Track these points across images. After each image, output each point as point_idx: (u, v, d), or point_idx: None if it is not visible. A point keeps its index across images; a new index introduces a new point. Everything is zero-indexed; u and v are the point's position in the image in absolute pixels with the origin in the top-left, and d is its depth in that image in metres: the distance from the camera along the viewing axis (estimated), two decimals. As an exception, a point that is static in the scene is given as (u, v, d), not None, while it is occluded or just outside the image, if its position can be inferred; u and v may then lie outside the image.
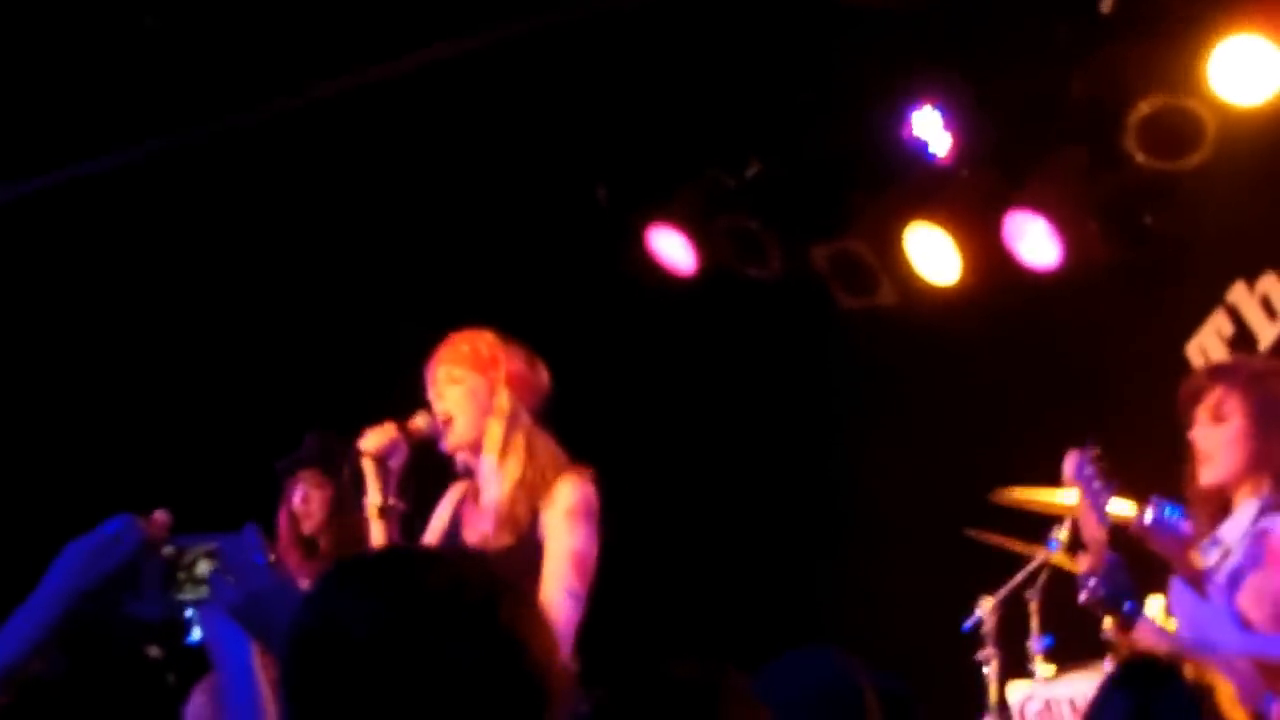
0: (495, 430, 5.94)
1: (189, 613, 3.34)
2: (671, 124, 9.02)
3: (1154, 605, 6.31)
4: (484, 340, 6.06)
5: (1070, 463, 5.70)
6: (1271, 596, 5.18)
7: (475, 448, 5.99)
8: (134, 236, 9.23)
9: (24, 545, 4.74)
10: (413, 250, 9.42)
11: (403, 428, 5.99)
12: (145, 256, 9.28)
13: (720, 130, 8.98)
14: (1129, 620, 5.46)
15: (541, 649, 2.45)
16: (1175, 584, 5.25)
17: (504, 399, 5.94)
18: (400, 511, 5.96)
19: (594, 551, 5.83)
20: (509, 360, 6.02)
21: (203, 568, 3.32)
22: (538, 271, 9.41)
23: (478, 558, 2.68)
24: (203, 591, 3.32)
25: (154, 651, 7.73)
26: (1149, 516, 5.22)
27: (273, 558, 3.39)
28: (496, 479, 5.93)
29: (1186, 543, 5.33)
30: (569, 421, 6.33)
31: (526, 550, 5.77)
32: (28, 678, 3.30)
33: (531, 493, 5.87)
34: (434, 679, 2.39)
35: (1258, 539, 5.34)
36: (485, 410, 5.95)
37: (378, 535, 6.03)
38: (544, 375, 6.12)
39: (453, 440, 5.99)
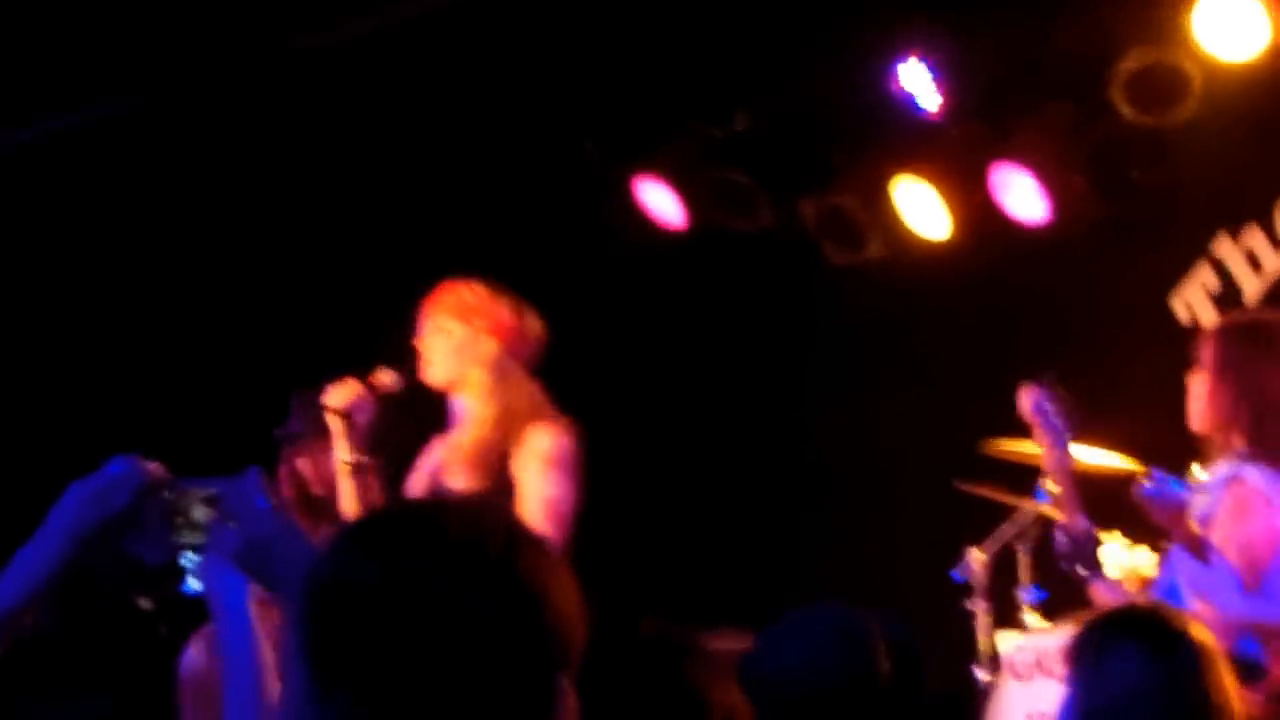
0: (475, 377, 5.99)
1: (186, 563, 3.35)
2: (659, 77, 9.03)
3: (1141, 557, 6.40)
4: (471, 290, 6.10)
5: (1026, 397, 5.75)
6: (1238, 546, 5.22)
7: (452, 390, 6.04)
8: (129, 186, 9.23)
9: (23, 489, 4.70)
10: (401, 204, 9.42)
11: (368, 383, 6.02)
12: (139, 206, 9.28)
13: (708, 84, 8.99)
14: (1084, 583, 5.55)
15: (561, 600, 2.43)
16: (1175, 551, 5.28)
17: (487, 347, 5.98)
18: (371, 467, 5.99)
19: (571, 501, 5.87)
20: (495, 310, 6.06)
21: (200, 513, 3.31)
22: (525, 225, 9.42)
23: (496, 508, 2.59)
24: (201, 536, 3.31)
25: (145, 603, 7.72)
26: (1148, 488, 5.25)
27: (274, 502, 3.39)
28: (474, 422, 5.98)
29: (1185, 511, 5.36)
30: (556, 374, 6.38)
31: (499, 495, 5.80)
32: (23, 631, 3.32)
33: (503, 437, 5.91)
34: (453, 632, 2.37)
35: (1227, 484, 5.38)
36: (468, 358, 5.99)
37: (348, 492, 6.05)
38: (534, 325, 6.15)
39: (428, 377, 6.05)
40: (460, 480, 5.94)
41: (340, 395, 5.99)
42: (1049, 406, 5.75)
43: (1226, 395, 5.52)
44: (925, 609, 7.84)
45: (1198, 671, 3.76)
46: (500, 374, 5.99)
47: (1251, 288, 8.39)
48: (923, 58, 8.56)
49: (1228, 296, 8.40)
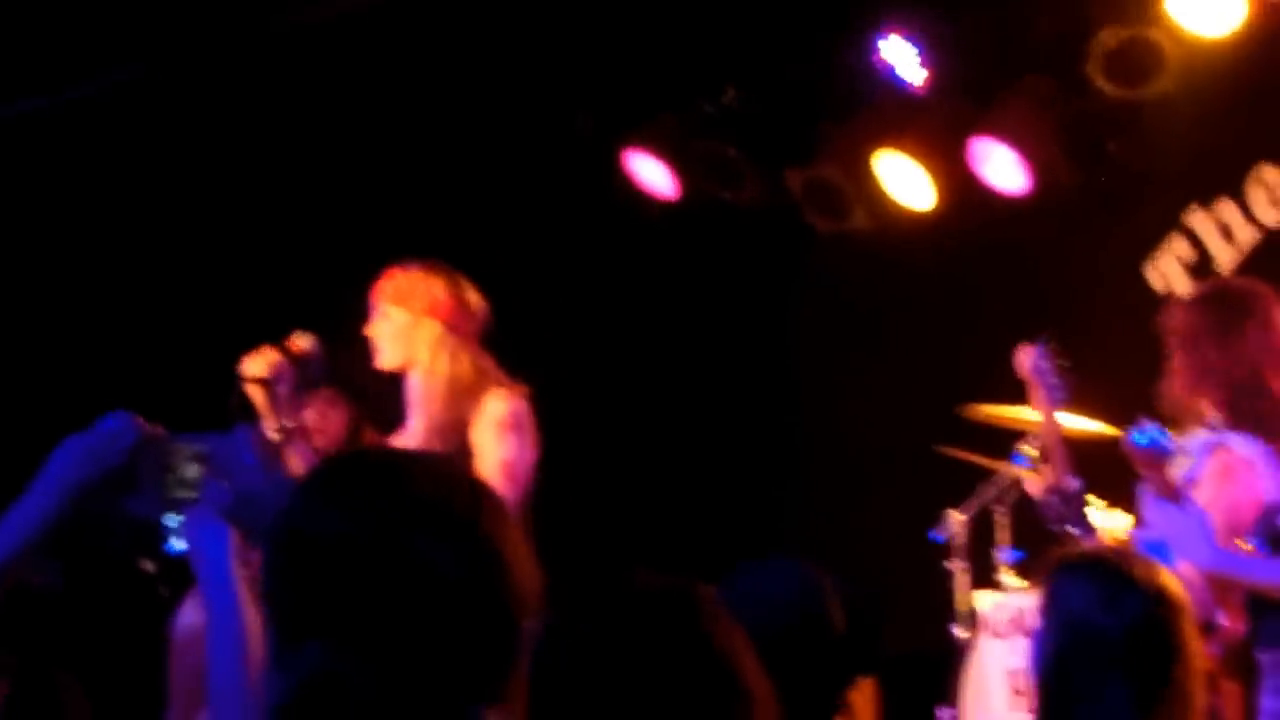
0: (422, 356, 6.09)
1: (171, 523, 3.36)
2: (651, 51, 9.10)
3: (1118, 520, 6.53)
4: (407, 274, 6.14)
5: (1026, 355, 5.83)
6: (1222, 510, 5.22)
7: (403, 371, 6.15)
8: (113, 159, 9.23)
9: (16, 446, 4.72)
10: (393, 177, 9.47)
11: (284, 350, 5.96)
12: (122, 179, 9.28)
13: (698, 57, 9.06)
14: (1072, 536, 5.63)
15: (519, 560, 2.46)
16: (1148, 497, 5.29)
17: (427, 328, 6.09)
18: (296, 430, 5.90)
19: (526, 461, 5.92)
20: (430, 290, 6.11)
21: (191, 470, 3.30)
22: (518, 196, 9.47)
23: (463, 469, 2.58)
24: (192, 492, 3.30)
25: (148, 565, 7.74)
26: (1138, 437, 5.30)
27: (264, 458, 3.38)
28: (422, 399, 6.10)
29: (1166, 463, 5.40)
30: (551, 343, 6.49)
31: (460, 463, 5.87)
32: (22, 586, 3.35)
33: (456, 410, 6.00)
34: (416, 585, 2.39)
35: (1212, 450, 5.44)
36: (411, 340, 6.10)
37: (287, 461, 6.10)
38: (473, 299, 6.15)
39: (380, 363, 6.16)
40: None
41: (257, 364, 5.90)
42: (1045, 366, 5.84)
43: (1200, 364, 5.59)
44: (905, 569, 8.04)
45: (1155, 617, 3.74)
46: (440, 352, 6.07)
47: (1225, 258, 8.53)
48: (906, 33, 8.66)
49: (1201, 267, 8.53)
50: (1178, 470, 5.68)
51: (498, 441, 5.91)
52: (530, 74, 9.19)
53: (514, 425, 5.94)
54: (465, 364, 6.04)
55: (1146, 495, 5.26)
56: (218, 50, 8.90)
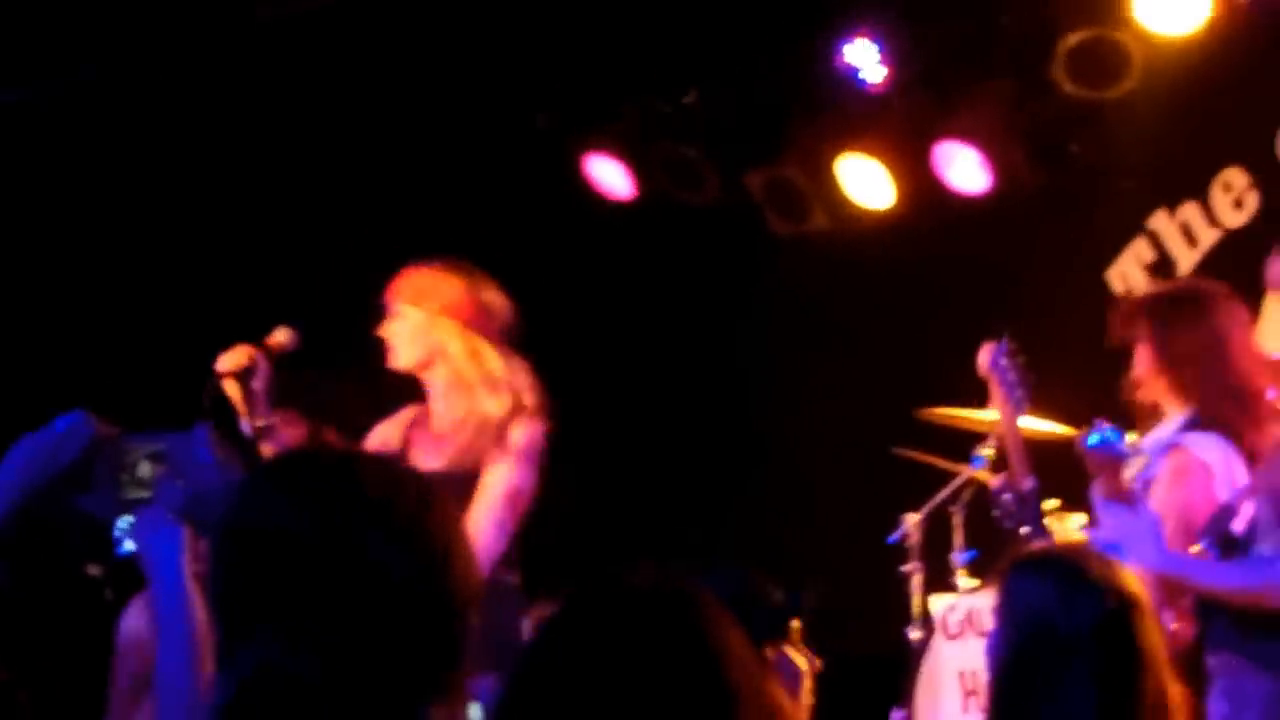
0: (439, 357, 6.01)
1: (122, 525, 3.31)
2: (610, 50, 9.09)
3: (1074, 522, 6.50)
4: (424, 272, 6.08)
5: (985, 353, 5.80)
6: (1175, 511, 5.22)
7: (421, 373, 6.08)
8: (90, 154, 9.21)
9: None
10: (356, 173, 9.45)
11: (262, 346, 5.91)
12: (101, 171, 9.26)
13: (658, 57, 9.05)
14: (1025, 541, 5.61)
15: (464, 563, 2.47)
16: (1100, 503, 5.27)
17: (444, 327, 6.01)
18: (271, 428, 5.86)
19: (531, 491, 5.91)
20: (447, 289, 6.05)
21: (145, 469, 3.27)
22: (476, 195, 9.46)
23: (410, 468, 2.68)
24: (147, 492, 3.28)
25: (94, 569, 7.69)
26: (1091, 439, 5.27)
27: (220, 456, 3.34)
28: (442, 398, 6.02)
29: (1121, 465, 5.39)
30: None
31: (464, 474, 5.81)
32: None
33: (482, 409, 5.90)
34: (362, 581, 2.40)
35: (1167, 451, 5.43)
36: (427, 340, 6.02)
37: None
38: (495, 299, 6.10)
39: (393, 363, 6.08)
40: (429, 459, 5.96)
41: (232, 359, 5.84)
42: (1004, 364, 5.81)
43: (1158, 363, 5.58)
44: (861, 571, 8.00)
45: (1114, 615, 3.72)
46: (461, 348, 6.00)
47: (1186, 261, 8.50)
48: (868, 34, 8.64)
49: (1163, 269, 8.51)
50: (1133, 471, 5.67)
51: (511, 468, 5.87)
52: (491, 72, 9.17)
53: (530, 454, 5.92)
54: (489, 361, 5.97)
55: (1097, 497, 5.23)
56: (175, 49, 8.89)
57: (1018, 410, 5.83)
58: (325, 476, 2.48)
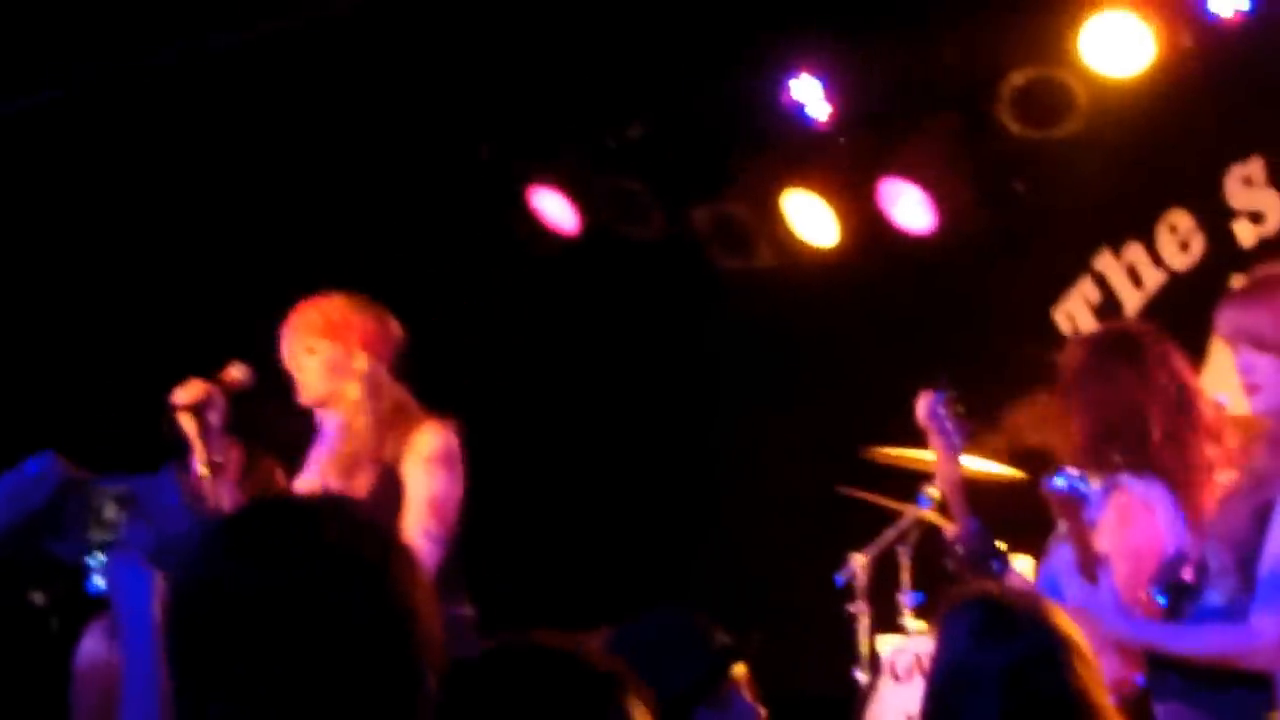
0: (352, 391, 5.99)
1: (92, 562, 3.30)
2: (556, 84, 9.07)
3: (1022, 563, 6.50)
4: (334, 306, 6.08)
5: (923, 403, 5.80)
6: (1123, 554, 5.18)
7: (327, 405, 6.06)
8: (34, 182, 9.15)
9: None
10: (297, 206, 9.40)
11: (217, 380, 5.90)
12: (47, 200, 9.20)
13: (604, 91, 9.04)
14: (997, 579, 5.60)
15: (427, 612, 2.42)
16: (1061, 549, 5.24)
17: (360, 361, 6.00)
18: (224, 466, 5.84)
19: (455, 496, 5.91)
20: (362, 322, 6.06)
21: (111, 511, 3.25)
22: (420, 229, 9.43)
23: (368, 514, 2.61)
24: (112, 534, 3.26)
25: (38, 598, 7.62)
26: (1056, 481, 5.24)
27: (188, 499, 3.33)
28: (349, 434, 6.01)
29: (1085, 506, 5.37)
30: (448, 378, 6.42)
31: (387, 498, 5.83)
32: None
33: (381, 443, 5.93)
34: (324, 634, 2.34)
35: (1108, 493, 5.41)
36: (342, 374, 6.01)
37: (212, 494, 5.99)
38: (395, 329, 6.14)
39: (303, 397, 6.07)
40: (345, 490, 5.95)
41: (188, 394, 5.82)
42: (943, 412, 5.80)
43: (1096, 406, 5.58)
44: (808, 612, 7.98)
45: (1043, 658, 3.67)
46: (374, 386, 6.01)
47: (1132, 302, 8.52)
48: (815, 70, 8.65)
49: (1108, 309, 8.53)
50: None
51: (427, 476, 5.87)
52: (436, 103, 9.15)
53: (444, 459, 5.91)
54: (392, 400, 5.98)
55: (1058, 551, 5.20)
56: (118, 78, 8.82)
57: (957, 458, 5.83)
58: (284, 526, 2.43)
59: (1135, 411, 5.47)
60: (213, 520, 2.63)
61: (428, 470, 5.90)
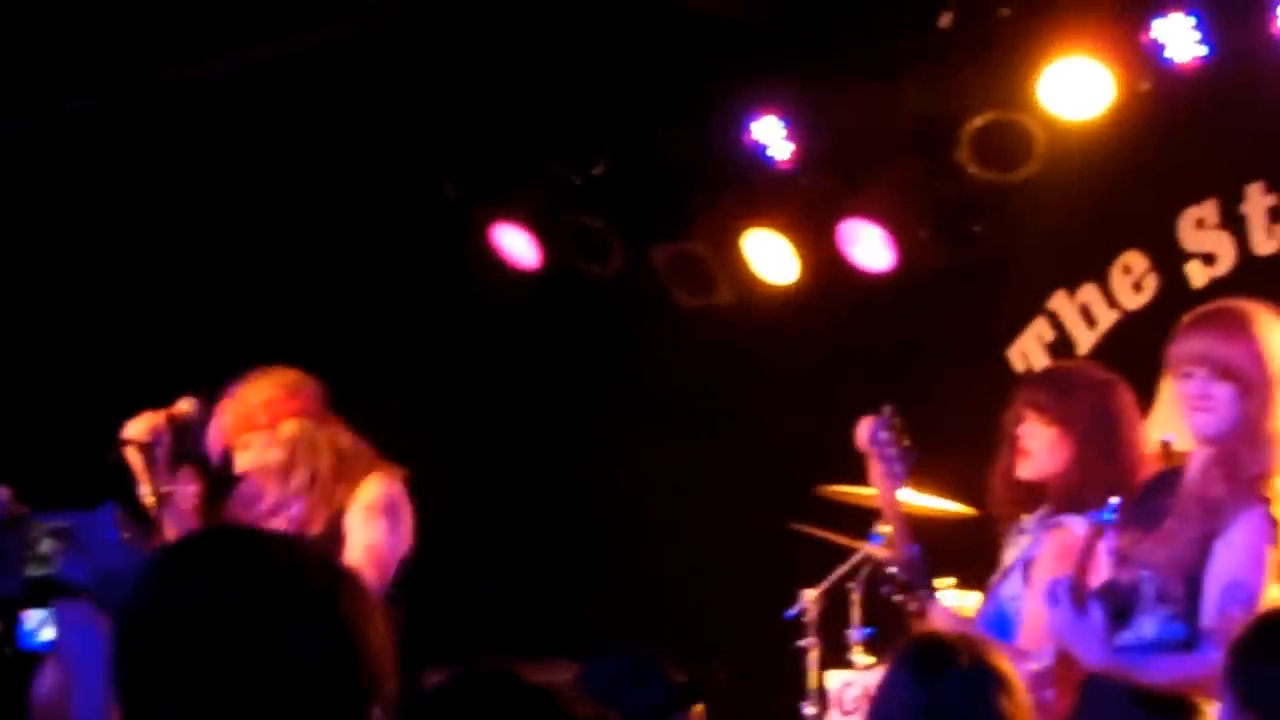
0: (275, 455, 6.01)
1: (38, 617, 3.27)
2: (519, 120, 9.10)
3: (969, 600, 6.53)
4: (241, 400, 6.04)
5: (865, 427, 5.84)
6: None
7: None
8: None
9: None
10: (259, 243, 9.41)
11: (167, 415, 5.92)
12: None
13: (567, 128, 9.07)
14: (923, 609, 5.65)
15: (376, 640, 2.39)
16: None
17: (286, 429, 6.02)
18: (170, 496, 5.84)
19: (395, 547, 5.91)
20: (284, 403, 6.06)
21: (47, 545, 3.26)
22: (381, 265, 9.44)
23: (313, 543, 2.60)
24: (47, 568, 3.26)
25: None
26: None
27: (127, 535, 3.31)
28: (283, 492, 6.02)
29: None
30: (405, 416, 6.43)
31: (333, 546, 5.79)
32: None
33: (335, 493, 5.95)
34: (271, 664, 2.31)
35: (1049, 530, 5.49)
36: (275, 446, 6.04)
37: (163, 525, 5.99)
38: (312, 386, 6.14)
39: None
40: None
41: (138, 427, 5.84)
42: (884, 438, 5.84)
43: (1053, 443, 5.63)
44: (759, 647, 7.99)
45: (969, 696, 3.80)
46: (306, 446, 6.01)
47: (1085, 342, 8.56)
48: (777, 111, 8.70)
49: (1062, 350, 8.56)
50: (1015, 551, 5.71)
51: (366, 525, 5.86)
52: (398, 139, 9.17)
53: (385, 509, 5.90)
54: (332, 450, 5.98)
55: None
56: (70, 112, 8.81)
57: (897, 485, 5.87)
58: (230, 555, 2.39)
59: (1088, 450, 5.55)
60: (158, 551, 2.57)
61: (367, 519, 5.88)
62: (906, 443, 5.80)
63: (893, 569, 5.71)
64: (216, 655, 2.30)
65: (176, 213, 9.27)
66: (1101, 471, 5.52)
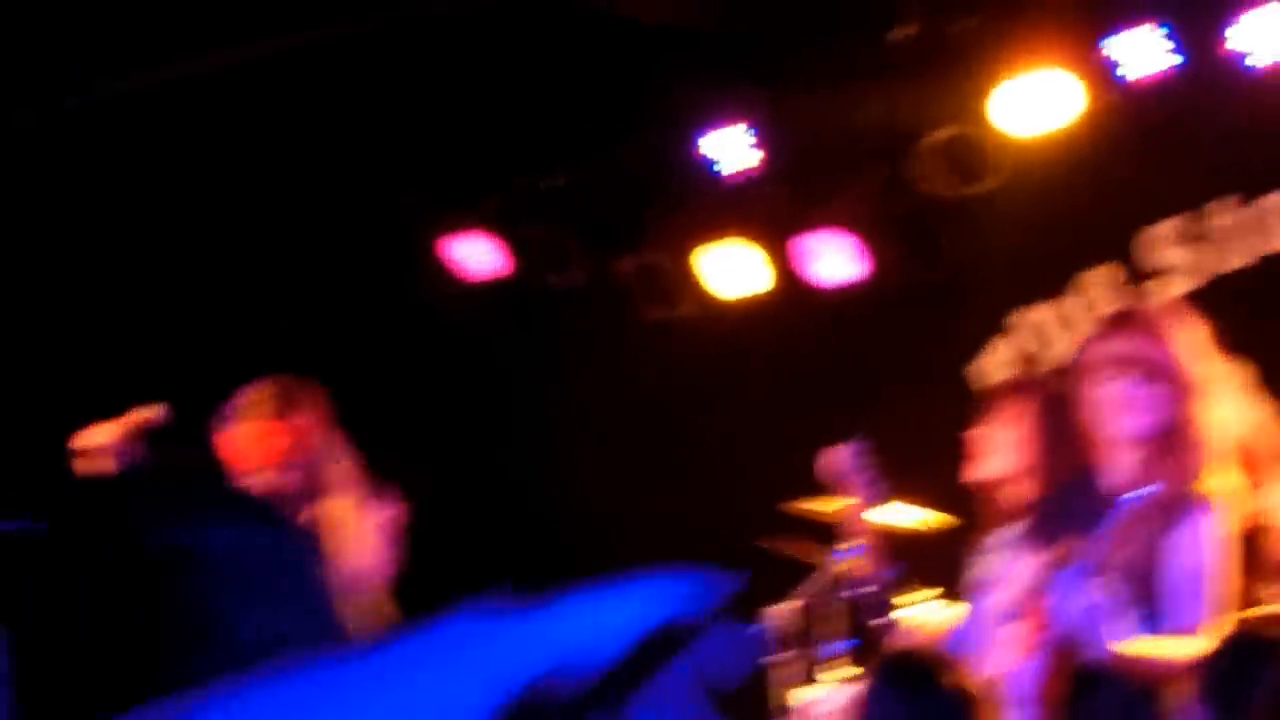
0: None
1: None
2: (481, 131, 9.08)
3: (948, 612, 6.52)
4: (262, 434, 6.09)
5: (836, 456, 5.83)
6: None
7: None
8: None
9: None
10: (220, 255, 9.38)
11: (127, 421, 5.93)
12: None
13: (530, 139, 9.05)
14: (887, 628, 5.65)
15: None
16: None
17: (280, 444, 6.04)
18: None
19: (373, 568, 6.09)
20: (288, 431, 6.08)
21: None
22: (341, 277, 9.42)
23: None
24: None
25: None
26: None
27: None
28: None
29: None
30: (370, 429, 6.42)
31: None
32: None
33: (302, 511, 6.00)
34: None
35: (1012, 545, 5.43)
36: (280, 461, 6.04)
37: None
38: (321, 401, 6.17)
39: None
40: None
41: (100, 435, 5.87)
42: (857, 465, 5.84)
43: (1020, 454, 5.63)
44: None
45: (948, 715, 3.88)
46: (315, 464, 6.04)
47: (1047, 358, 8.57)
48: (740, 122, 8.70)
49: (1022, 365, 8.57)
50: (988, 572, 5.69)
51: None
52: (357, 150, 9.14)
53: (369, 534, 6.07)
54: (325, 467, 6.04)
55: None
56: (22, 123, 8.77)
57: (870, 509, 5.87)
58: None
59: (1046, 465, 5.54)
60: None
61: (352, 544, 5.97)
62: (877, 468, 5.81)
63: (871, 589, 5.71)
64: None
65: (135, 222, 9.21)
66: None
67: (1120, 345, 5.15)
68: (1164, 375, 5.08)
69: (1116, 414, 5.12)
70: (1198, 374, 5.10)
